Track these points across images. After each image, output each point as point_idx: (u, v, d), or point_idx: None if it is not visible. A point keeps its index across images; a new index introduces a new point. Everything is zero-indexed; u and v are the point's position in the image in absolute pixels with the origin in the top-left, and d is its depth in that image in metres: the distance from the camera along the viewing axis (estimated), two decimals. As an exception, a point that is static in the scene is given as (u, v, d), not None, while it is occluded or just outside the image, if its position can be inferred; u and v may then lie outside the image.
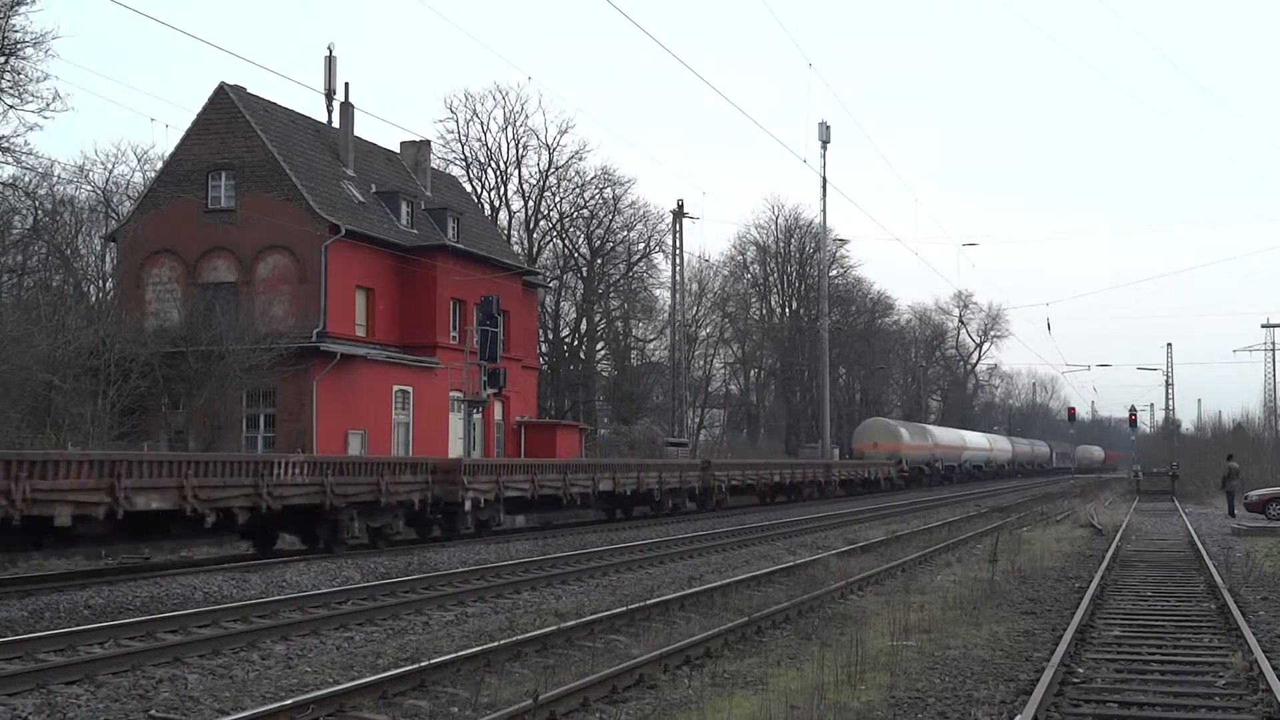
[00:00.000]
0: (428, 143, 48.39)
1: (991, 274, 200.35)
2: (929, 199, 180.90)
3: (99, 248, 46.55)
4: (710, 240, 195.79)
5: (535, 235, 62.88)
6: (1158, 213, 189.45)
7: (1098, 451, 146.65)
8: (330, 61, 42.32)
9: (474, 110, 61.50)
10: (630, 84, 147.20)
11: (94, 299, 41.28)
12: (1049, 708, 8.91)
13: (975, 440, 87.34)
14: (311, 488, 19.57)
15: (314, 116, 42.10)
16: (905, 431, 67.14)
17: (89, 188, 49.79)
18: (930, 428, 76.38)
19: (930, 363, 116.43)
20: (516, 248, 58.50)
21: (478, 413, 39.35)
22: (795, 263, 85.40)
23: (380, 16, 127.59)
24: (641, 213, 65.14)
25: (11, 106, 32.80)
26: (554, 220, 63.59)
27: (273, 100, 40.31)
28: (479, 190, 61.03)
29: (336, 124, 42.06)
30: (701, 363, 75.90)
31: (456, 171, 58.62)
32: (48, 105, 33.64)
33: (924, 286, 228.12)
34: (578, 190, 63.10)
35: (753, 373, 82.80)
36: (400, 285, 39.61)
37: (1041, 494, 57.38)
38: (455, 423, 39.97)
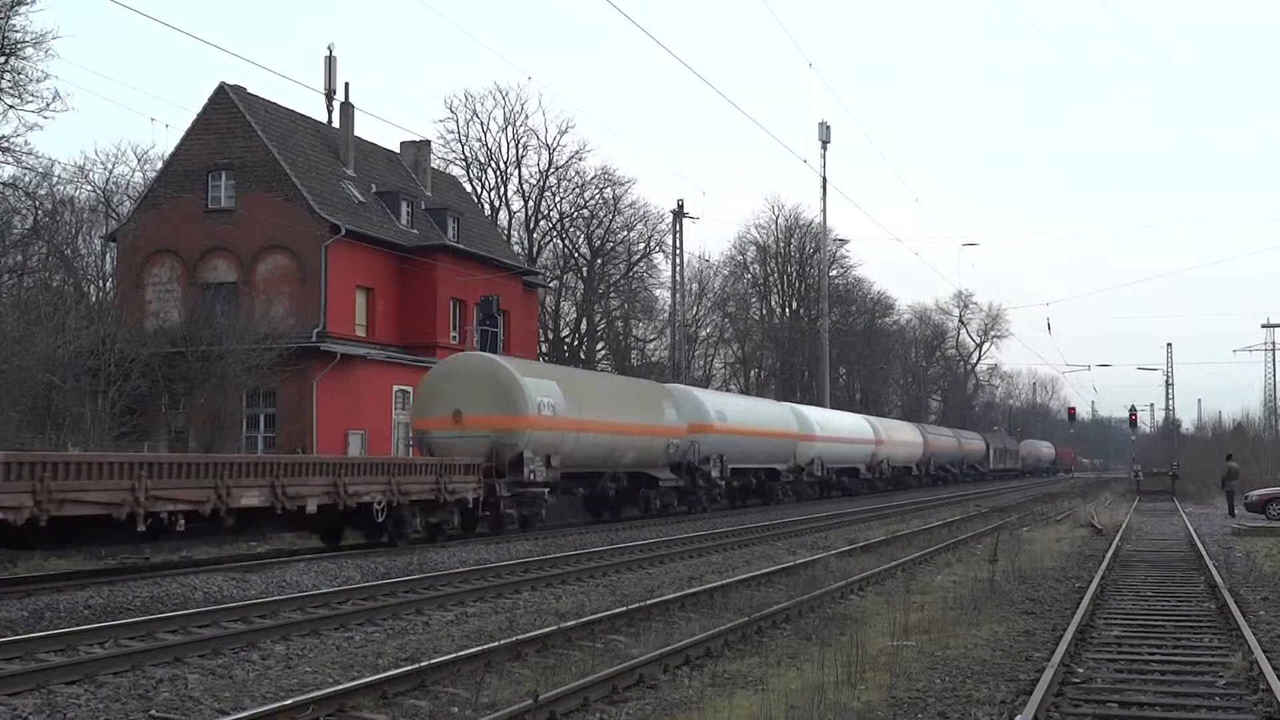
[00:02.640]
0: (428, 143, 48.42)
1: (991, 274, 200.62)
2: (929, 199, 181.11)
3: (99, 248, 46.56)
4: (710, 240, 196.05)
5: (535, 235, 62.95)
6: (1158, 213, 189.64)
7: (1046, 449, 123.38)
8: (330, 61, 42.38)
9: (474, 110, 61.66)
10: (630, 84, 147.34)
11: (94, 299, 41.29)
12: (1049, 708, 8.91)
13: (842, 426, 50.99)
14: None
15: (314, 116, 42.16)
16: (558, 387, 27.76)
17: (89, 188, 49.83)
18: (693, 391, 37.46)
19: (930, 363, 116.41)
20: (516, 248, 58.53)
21: (478, 413, 39.30)
22: (795, 263, 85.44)
23: (380, 16, 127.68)
24: (641, 213, 65.27)
25: (11, 106, 32.81)
26: (554, 220, 63.70)
27: (273, 100, 40.37)
28: (479, 190, 61.10)
29: (336, 124, 42.08)
30: (701, 363, 75.91)
31: (456, 171, 58.71)
32: (48, 105, 33.65)
33: (924, 286, 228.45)
34: (578, 190, 63.23)
35: (753, 373, 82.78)
36: (400, 285, 39.62)
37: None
38: (455, 423, 39.90)
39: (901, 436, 62.41)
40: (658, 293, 68.97)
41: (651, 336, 71.12)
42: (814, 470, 46.33)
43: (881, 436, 56.72)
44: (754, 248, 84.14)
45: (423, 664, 9.96)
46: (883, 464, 56.63)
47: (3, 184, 36.73)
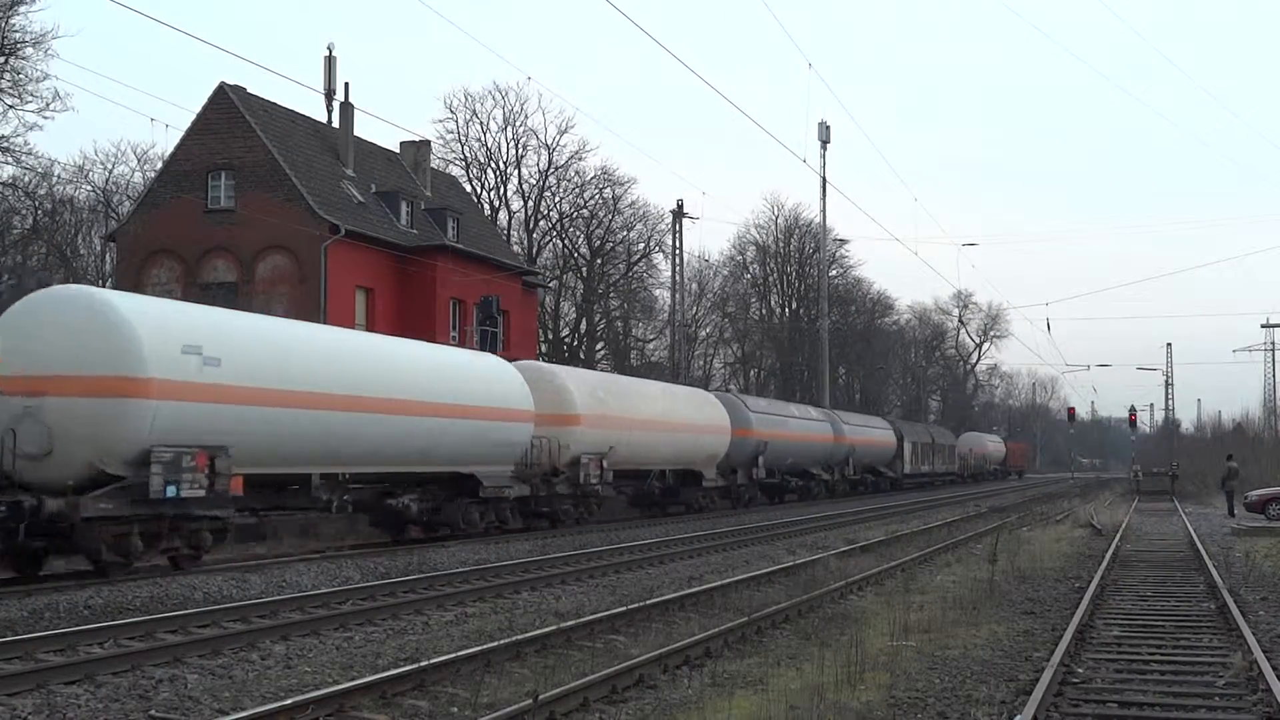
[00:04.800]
0: (427, 143, 48.40)
1: (991, 274, 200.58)
2: (929, 199, 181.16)
3: (99, 248, 46.64)
4: (710, 240, 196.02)
5: (535, 235, 62.98)
6: (1158, 213, 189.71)
7: (994, 444, 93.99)
8: (330, 61, 42.34)
9: (474, 110, 61.66)
10: (630, 84, 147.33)
11: (94, 299, 41.23)
12: (1049, 708, 8.91)
13: (448, 374, 23.06)
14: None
15: (314, 116, 42.14)
16: None
17: (89, 188, 49.92)
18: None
19: (930, 363, 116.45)
20: (516, 248, 58.54)
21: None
22: (795, 263, 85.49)
23: (380, 16, 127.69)
24: (641, 213, 65.34)
25: (11, 106, 32.94)
26: (554, 220, 63.73)
27: (273, 100, 40.36)
28: (479, 190, 61.11)
29: (336, 124, 42.06)
30: (701, 363, 75.96)
31: (456, 171, 58.70)
32: (48, 105, 33.82)
33: (924, 286, 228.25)
34: (577, 190, 63.28)
35: (753, 373, 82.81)
36: (400, 285, 39.60)
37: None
38: (455, 423, 39.86)
39: (678, 415, 33.40)
40: (657, 293, 69.12)
41: (651, 336, 71.23)
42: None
43: (604, 406, 28.45)
44: (754, 248, 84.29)
45: (422, 664, 9.95)
46: (587, 472, 27.39)
47: (3, 184, 36.77)
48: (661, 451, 32.83)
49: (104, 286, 42.92)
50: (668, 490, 34.94)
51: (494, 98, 63.48)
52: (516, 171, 62.39)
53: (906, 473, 61.96)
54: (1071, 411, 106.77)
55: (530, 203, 62.71)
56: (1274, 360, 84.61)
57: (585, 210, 63.90)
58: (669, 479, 34.51)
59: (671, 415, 33.57)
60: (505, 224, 61.35)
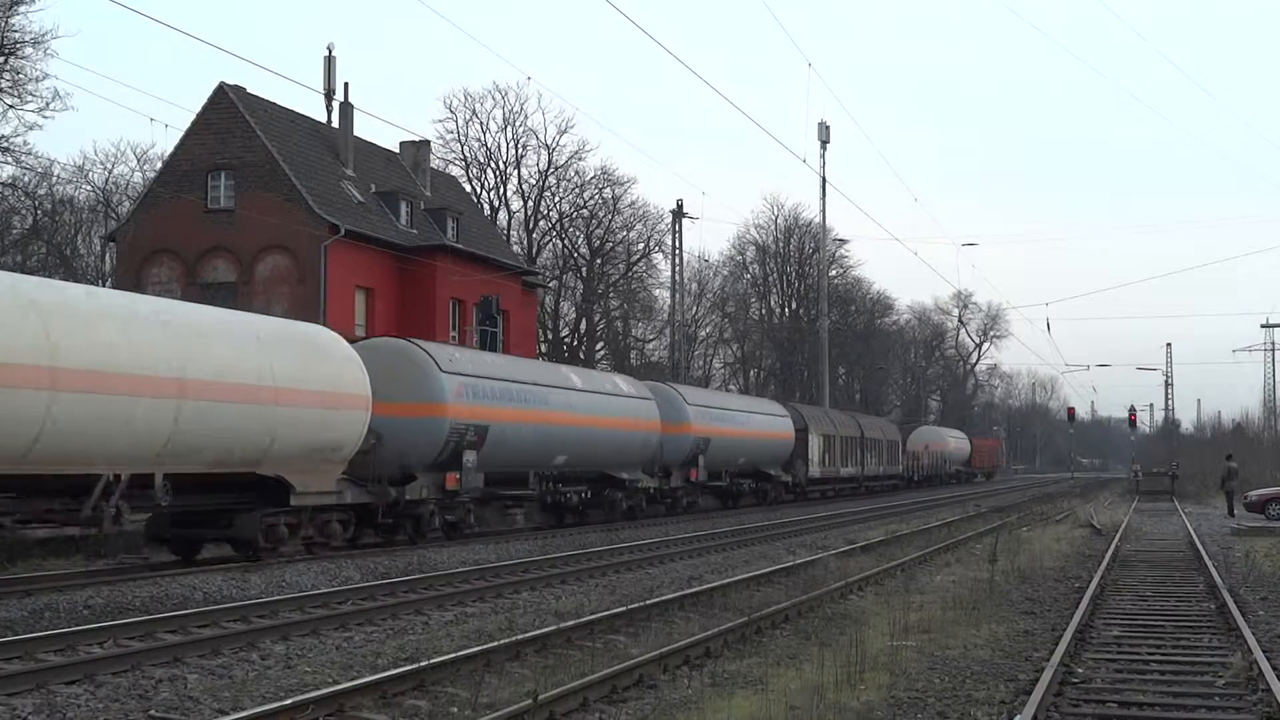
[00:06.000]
0: (427, 143, 48.39)
1: (991, 274, 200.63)
2: (929, 199, 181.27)
3: (99, 248, 46.63)
4: (710, 240, 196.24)
5: (535, 235, 63.00)
6: (1158, 213, 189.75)
7: (955, 442, 78.88)
8: (330, 61, 42.32)
9: (473, 110, 61.66)
10: (630, 84, 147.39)
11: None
12: (1049, 708, 8.91)
13: None
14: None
15: (314, 116, 42.13)
16: None
17: (89, 188, 49.92)
18: None
19: (930, 363, 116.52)
20: (516, 248, 58.54)
21: (477, 413, 39.19)
22: (795, 263, 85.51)
23: (380, 16, 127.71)
24: (641, 213, 65.35)
25: (11, 106, 32.96)
26: (553, 220, 63.75)
27: (273, 100, 40.35)
28: (478, 190, 61.13)
29: (336, 124, 42.06)
30: (701, 363, 75.99)
31: (456, 171, 58.71)
32: (47, 105, 33.85)
33: (924, 286, 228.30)
34: (577, 190, 63.29)
35: (752, 373, 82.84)
36: (400, 285, 39.59)
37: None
38: (455, 423, 39.74)
39: (241, 370, 17.71)
40: (657, 293, 69.12)
41: (651, 336, 71.24)
42: None
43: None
44: (753, 248, 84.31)
45: (422, 664, 9.95)
46: None
47: (3, 184, 36.79)
48: (189, 440, 16.81)
49: (104, 286, 42.95)
50: (191, 519, 18.83)
51: (494, 98, 63.49)
52: (516, 171, 62.50)
53: (814, 476, 46.53)
54: (1071, 411, 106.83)
55: (530, 203, 62.81)
56: (1274, 360, 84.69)
57: (585, 210, 63.98)
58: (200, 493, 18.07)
59: (224, 368, 17.44)
60: (505, 224, 61.38)
